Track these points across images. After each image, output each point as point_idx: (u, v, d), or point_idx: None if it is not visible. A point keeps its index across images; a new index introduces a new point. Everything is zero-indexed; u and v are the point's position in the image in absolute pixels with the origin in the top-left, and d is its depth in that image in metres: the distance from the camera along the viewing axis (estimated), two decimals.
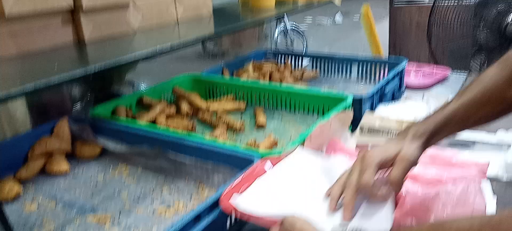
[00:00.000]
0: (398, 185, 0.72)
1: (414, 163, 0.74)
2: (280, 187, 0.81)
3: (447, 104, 0.79)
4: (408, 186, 0.86)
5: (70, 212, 0.94)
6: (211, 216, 0.75)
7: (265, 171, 0.84)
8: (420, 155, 0.75)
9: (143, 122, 1.22)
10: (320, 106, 1.31)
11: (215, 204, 0.77)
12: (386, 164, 0.74)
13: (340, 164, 0.85)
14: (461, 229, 0.49)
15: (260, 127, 1.30)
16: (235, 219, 0.85)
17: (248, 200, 0.75)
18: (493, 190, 0.91)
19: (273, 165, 0.86)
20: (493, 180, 0.96)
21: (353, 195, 0.71)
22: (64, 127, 1.17)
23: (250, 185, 0.80)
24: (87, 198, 0.99)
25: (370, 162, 0.72)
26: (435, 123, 0.77)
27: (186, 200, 0.95)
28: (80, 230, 0.87)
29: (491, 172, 0.96)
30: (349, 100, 1.19)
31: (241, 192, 0.78)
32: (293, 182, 0.82)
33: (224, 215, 0.78)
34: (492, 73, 0.78)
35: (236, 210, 0.74)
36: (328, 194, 0.76)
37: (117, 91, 1.71)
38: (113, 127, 1.15)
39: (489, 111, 0.77)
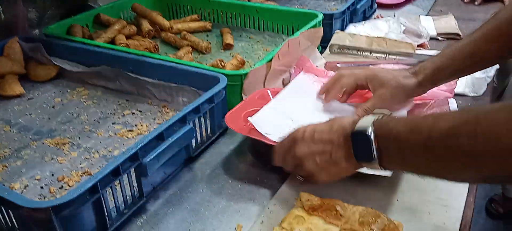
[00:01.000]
0: (362, 113, 0.80)
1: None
2: (286, 111, 0.84)
3: (461, 40, 0.78)
4: None
5: (26, 136, 0.89)
6: (175, 136, 0.72)
7: (269, 97, 0.88)
8: (415, 90, 0.78)
9: (100, 41, 1.14)
10: (290, 25, 1.26)
11: (179, 123, 0.74)
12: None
13: None
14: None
15: (227, 47, 1.24)
16: (202, 139, 0.83)
17: (261, 121, 0.78)
18: (459, 106, 0.92)
19: (272, 94, 0.88)
20: (459, 96, 0.96)
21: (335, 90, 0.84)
22: (15, 47, 1.09)
23: (258, 110, 0.82)
24: (44, 122, 0.93)
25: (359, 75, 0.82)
26: (441, 58, 0.77)
27: (150, 122, 0.92)
28: (37, 154, 0.83)
29: (458, 88, 0.96)
30: (320, 17, 1.15)
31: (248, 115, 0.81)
32: (297, 105, 0.86)
33: (188, 135, 0.75)
34: (509, 8, 0.73)
35: (252, 128, 0.78)
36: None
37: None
38: (68, 46, 1.07)
39: (498, 47, 0.73)
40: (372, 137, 0.56)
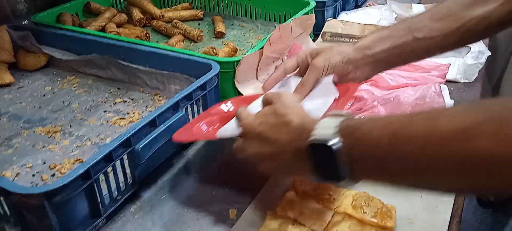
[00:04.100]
0: (306, 86, 0.72)
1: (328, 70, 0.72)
2: None
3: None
4: (369, 90, 0.85)
5: (17, 124, 0.88)
6: (168, 122, 0.71)
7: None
8: (352, 54, 0.71)
9: (91, 29, 1.13)
10: (282, 12, 1.25)
11: (171, 110, 0.73)
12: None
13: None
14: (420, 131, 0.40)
15: (219, 35, 1.24)
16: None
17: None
18: (451, 92, 0.92)
19: (233, 105, 0.78)
20: (451, 82, 0.97)
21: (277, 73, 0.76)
22: (3, 35, 1.07)
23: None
24: (35, 110, 0.92)
25: (301, 54, 0.76)
26: (384, 29, 0.71)
27: (142, 110, 0.91)
28: (29, 142, 0.82)
29: (450, 75, 0.96)
30: (312, 5, 1.14)
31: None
32: None
33: (181, 122, 0.74)
34: None
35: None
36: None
37: None
38: (58, 35, 1.06)
39: (441, 29, 0.66)
40: (337, 148, 0.44)
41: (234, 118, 0.63)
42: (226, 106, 0.77)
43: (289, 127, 0.52)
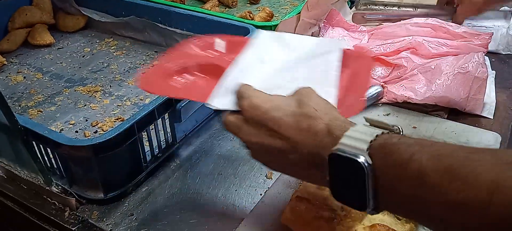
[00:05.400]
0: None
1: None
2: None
3: None
4: (408, 58, 0.83)
5: (58, 83, 0.90)
6: None
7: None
8: None
9: None
10: None
11: None
12: None
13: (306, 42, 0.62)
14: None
15: (253, 1, 1.23)
16: None
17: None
18: (492, 63, 0.90)
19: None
20: (492, 54, 0.94)
21: None
22: None
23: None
24: (75, 70, 0.95)
25: None
26: None
27: None
28: (70, 100, 0.84)
29: (491, 46, 0.93)
30: None
31: None
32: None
33: None
34: None
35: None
36: None
37: None
38: None
39: None
40: (369, 170, 0.34)
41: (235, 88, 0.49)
42: (200, 46, 0.62)
43: (312, 123, 0.40)
